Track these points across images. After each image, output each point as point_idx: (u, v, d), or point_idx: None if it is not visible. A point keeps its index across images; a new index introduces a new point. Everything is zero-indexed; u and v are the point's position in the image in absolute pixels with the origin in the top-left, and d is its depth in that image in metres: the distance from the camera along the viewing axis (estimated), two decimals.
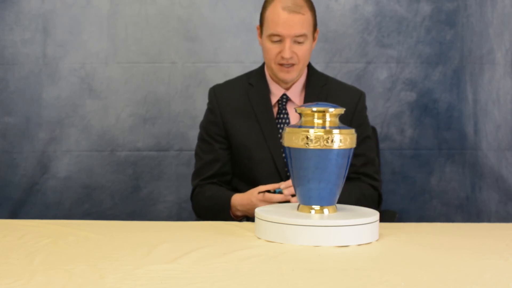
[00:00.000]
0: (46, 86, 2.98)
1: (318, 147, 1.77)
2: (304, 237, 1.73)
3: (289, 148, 1.81)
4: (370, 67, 3.01)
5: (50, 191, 3.00)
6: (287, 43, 2.15)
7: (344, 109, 1.86)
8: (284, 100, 2.25)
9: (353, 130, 1.83)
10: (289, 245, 1.72)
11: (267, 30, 2.18)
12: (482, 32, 3.01)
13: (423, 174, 3.04)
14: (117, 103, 3.00)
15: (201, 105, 3.00)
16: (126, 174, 3.02)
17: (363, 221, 1.76)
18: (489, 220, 3.00)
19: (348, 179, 2.11)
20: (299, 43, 2.17)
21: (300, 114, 1.84)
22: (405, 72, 3.03)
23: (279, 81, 2.25)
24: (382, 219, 1.93)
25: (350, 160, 1.82)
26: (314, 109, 1.81)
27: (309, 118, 1.81)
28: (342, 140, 1.78)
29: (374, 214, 1.82)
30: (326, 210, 1.82)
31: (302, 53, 2.18)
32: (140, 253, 1.62)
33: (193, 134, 3.02)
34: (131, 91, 3.01)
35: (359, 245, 1.74)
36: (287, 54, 2.15)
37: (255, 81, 2.29)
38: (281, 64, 2.18)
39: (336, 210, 1.85)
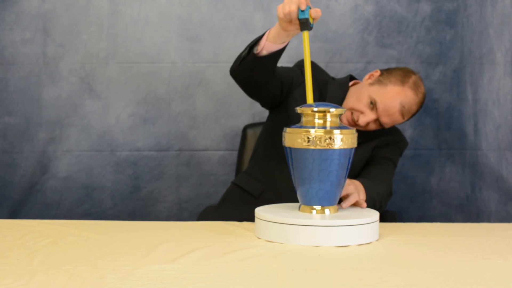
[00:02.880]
0: (46, 86, 2.98)
1: (319, 147, 1.77)
2: (304, 237, 1.73)
3: (290, 148, 1.81)
4: (370, 67, 3.01)
5: (50, 191, 3.00)
6: (372, 117, 2.24)
7: (345, 109, 1.87)
8: None
9: (353, 130, 1.83)
10: (289, 245, 1.72)
11: (376, 94, 2.24)
12: (482, 32, 3.01)
13: (423, 174, 3.04)
14: (117, 103, 3.00)
15: (201, 105, 3.01)
16: (126, 174, 3.02)
17: (363, 221, 1.76)
18: (489, 220, 3.00)
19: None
20: (378, 123, 2.28)
21: (301, 114, 1.84)
22: None
23: None
24: (382, 220, 1.93)
25: (351, 160, 1.82)
26: (315, 109, 1.81)
27: (310, 118, 1.82)
28: (343, 140, 1.78)
29: (374, 214, 1.82)
30: (327, 210, 1.82)
31: (370, 128, 2.29)
32: (140, 253, 1.62)
33: (193, 134, 3.02)
34: (131, 91, 3.01)
35: (359, 245, 1.74)
36: (362, 123, 2.24)
37: (338, 83, 2.37)
38: (351, 117, 2.27)
39: (338, 210, 1.85)
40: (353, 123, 2.27)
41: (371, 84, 2.28)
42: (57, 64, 2.98)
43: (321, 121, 1.80)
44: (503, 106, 3.01)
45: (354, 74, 3.01)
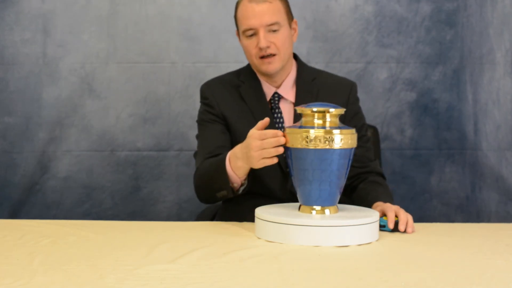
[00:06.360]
0: (46, 86, 2.98)
1: (319, 147, 1.77)
2: (304, 237, 1.73)
3: (290, 148, 1.81)
4: (370, 67, 3.01)
5: (50, 191, 3.00)
6: (261, 33, 2.14)
7: (345, 109, 1.86)
8: (276, 98, 2.23)
9: (353, 130, 1.82)
10: (289, 245, 1.72)
11: (241, 28, 2.19)
12: (482, 32, 3.01)
13: (423, 174, 3.04)
14: (117, 103, 3.00)
15: None
16: (126, 174, 3.02)
17: (363, 221, 1.76)
18: (489, 220, 3.00)
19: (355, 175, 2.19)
20: (273, 31, 2.16)
21: (300, 114, 1.84)
22: (405, 72, 3.03)
23: (268, 79, 2.23)
24: None
25: (351, 160, 1.82)
26: (315, 109, 1.81)
27: (309, 119, 1.81)
28: (342, 140, 1.78)
29: (374, 214, 1.82)
30: (327, 211, 1.82)
31: (279, 41, 2.16)
32: (140, 253, 1.62)
33: (193, 134, 3.02)
34: (131, 91, 3.01)
35: (359, 245, 1.74)
36: (263, 43, 2.14)
37: (246, 78, 2.28)
38: (261, 57, 2.17)
39: (338, 210, 1.85)
40: (268, 54, 2.17)
41: (239, 39, 2.25)
42: (57, 64, 2.98)
43: (320, 121, 1.80)
44: (503, 106, 3.01)
45: (354, 74, 3.01)
